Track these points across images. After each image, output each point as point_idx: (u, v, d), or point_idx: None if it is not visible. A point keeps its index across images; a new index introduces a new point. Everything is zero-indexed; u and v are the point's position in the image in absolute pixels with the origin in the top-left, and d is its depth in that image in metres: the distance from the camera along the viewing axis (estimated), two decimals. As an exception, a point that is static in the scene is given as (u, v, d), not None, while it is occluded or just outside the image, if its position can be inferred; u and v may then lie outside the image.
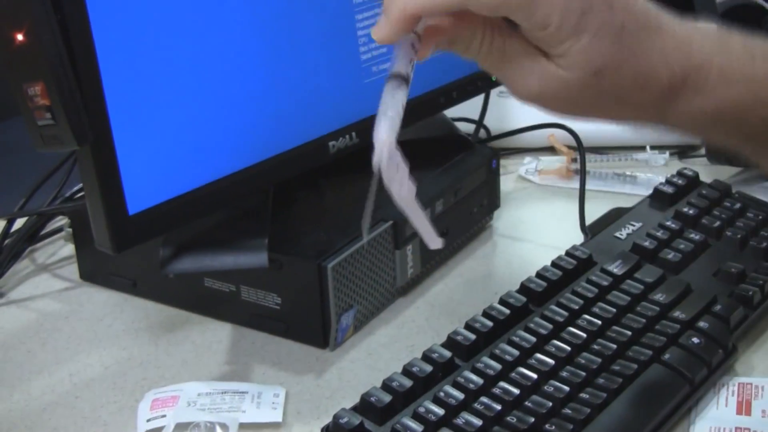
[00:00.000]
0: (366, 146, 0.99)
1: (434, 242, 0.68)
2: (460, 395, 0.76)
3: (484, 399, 0.76)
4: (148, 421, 0.83)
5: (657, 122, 0.68)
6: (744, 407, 0.82)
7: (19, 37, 0.75)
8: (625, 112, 0.68)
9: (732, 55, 0.66)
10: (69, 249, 1.12)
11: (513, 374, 0.79)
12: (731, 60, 0.66)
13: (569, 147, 1.25)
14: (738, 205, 1.06)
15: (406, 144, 1.11)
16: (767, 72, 0.66)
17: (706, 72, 0.66)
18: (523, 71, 0.66)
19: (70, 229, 1.09)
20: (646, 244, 0.98)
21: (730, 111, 0.66)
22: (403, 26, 0.66)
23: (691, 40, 0.66)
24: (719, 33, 0.68)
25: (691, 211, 1.03)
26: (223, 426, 0.81)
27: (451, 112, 1.19)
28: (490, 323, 0.85)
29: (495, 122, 1.29)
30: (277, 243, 0.90)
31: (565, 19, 0.63)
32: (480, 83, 1.14)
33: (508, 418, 0.75)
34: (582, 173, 1.14)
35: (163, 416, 0.82)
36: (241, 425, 0.81)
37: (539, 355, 0.82)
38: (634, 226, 1.02)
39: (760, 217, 1.04)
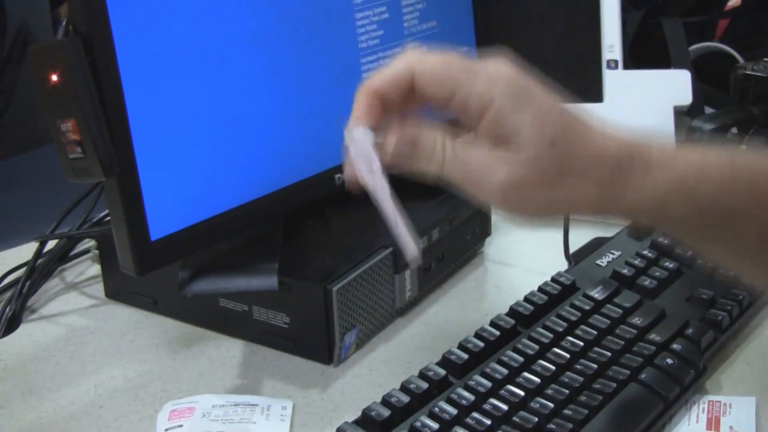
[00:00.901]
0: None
1: (411, 251, 0.68)
2: (454, 411, 0.76)
3: (475, 414, 0.76)
4: (167, 430, 0.82)
5: (618, 203, 0.65)
6: (713, 423, 0.81)
7: (54, 77, 0.75)
8: (587, 188, 0.64)
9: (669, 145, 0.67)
10: (95, 269, 1.11)
11: (502, 391, 0.79)
12: (669, 146, 0.66)
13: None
14: (709, 236, 1.05)
15: (405, 176, 1.12)
16: (711, 158, 0.65)
17: (649, 150, 0.65)
18: (487, 169, 0.63)
19: (96, 251, 1.08)
20: (625, 271, 0.97)
21: (678, 189, 0.64)
22: (366, 102, 0.65)
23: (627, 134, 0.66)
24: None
25: (665, 242, 1.03)
26: (235, 436, 0.80)
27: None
28: (481, 344, 0.84)
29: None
30: (286, 267, 0.90)
31: (508, 94, 0.62)
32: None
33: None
34: (566, 205, 1.13)
35: (180, 426, 0.82)
36: (252, 436, 0.81)
37: (526, 374, 0.81)
38: (613, 254, 1.02)
39: (729, 247, 1.04)
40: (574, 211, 0.68)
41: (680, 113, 1.34)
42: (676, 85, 1.33)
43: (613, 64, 1.35)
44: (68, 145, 0.78)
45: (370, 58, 0.99)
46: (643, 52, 1.47)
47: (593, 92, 1.34)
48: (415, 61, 0.64)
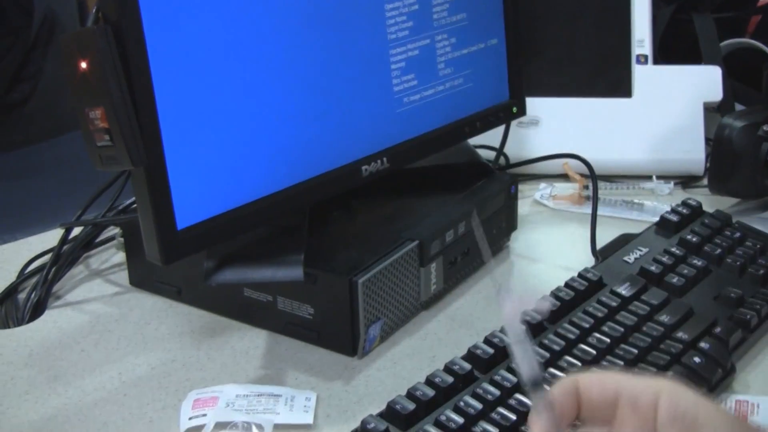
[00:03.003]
0: (395, 170, 1.00)
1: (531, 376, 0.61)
2: (479, 405, 0.76)
3: (501, 409, 0.76)
4: (190, 419, 0.83)
5: None
6: (741, 424, 0.81)
7: (83, 65, 0.76)
8: None
9: None
10: (120, 257, 1.12)
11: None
12: None
13: (582, 175, 1.25)
14: (738, 234, 1.05)
15: (432, 170, 1.12)
16: None
17: None
18: None
19: (121, 239, 1.09)
20: (653, 268, 0.97)
21: None
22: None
23: None
24: None
25: (694, 239, 1.03)
26: (259, 426, 0.81)
27: (474, 141, 1.19)
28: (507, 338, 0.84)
29: (514, 150, 1.29)
30: (312, 259, 0.90)
31: (672, 383, 0.60)
32: (501, 114, 1.14)
33: (523, 428, 0.75)
34: (594, 200, 1.13)
35: (204, 415, 0.82)
36: (275, 426, 0.81)
37: (553, 370, 0.81)
38: (641, 251, 1.02)
39: (758, 246, 1.03)
40: None
41: (710, 110, 1.34)
42: (706, 81, 1.33)
43: (643, 59, 1.35)
44: (96, 133, 0.78)
45: (399, 49, 0.99)
46: (673, 48, 1.46)
47: (623, 87, 1.34)
48: (578, 374, 0.62)
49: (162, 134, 0.79)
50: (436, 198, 1.06)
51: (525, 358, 0.59)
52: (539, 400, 0.59)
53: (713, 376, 0.84)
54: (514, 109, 1.15)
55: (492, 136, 1.23)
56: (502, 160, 1.28)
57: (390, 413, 0.76)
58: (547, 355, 0.82)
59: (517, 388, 0.79)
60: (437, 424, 0.74)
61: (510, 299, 0.60)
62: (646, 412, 0.59)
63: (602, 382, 0.61)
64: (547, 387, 0.59)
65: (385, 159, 0.98)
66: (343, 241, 0.97)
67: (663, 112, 1.32)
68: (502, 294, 0.60)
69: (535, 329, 0.87)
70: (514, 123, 1.25)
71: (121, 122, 0.76)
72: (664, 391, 0.59)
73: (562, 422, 0.60)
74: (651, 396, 0.59)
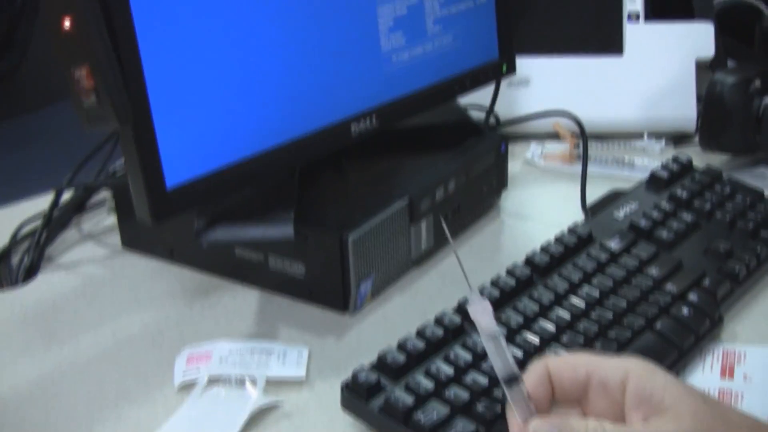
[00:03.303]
0: (384, 129, 1.01)
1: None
2: (469, 356, 0.77)
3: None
4: (184, 374, 0.84)
5: None
6: (727, 371, 0.82)
7: (67, 23, 0.76)
8: None
9: None
10: (112, 219, 1.13)
11: (518, 338, 0.80)
12: None
13: (572, 134, 1.26)
14: (728, 189, 1.06)
15: (422, 129, 1.13)
16: None
17: None
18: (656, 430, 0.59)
19: (113, 201, 1.10)
20: (642, 223, 0.98)
21: None
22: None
23: None
24: None
25: (684, 194, 1.04)
26: (252, 380, 0.82)
27: (464, 101, 1.20)
28: (497, 292, 0.86)
29: (504, 111, 1.30)
30: (303, 217, 0.91)
31: (640, 364, 0.62)
32: (491, 73, 1.14)
33: (512, 378, 0.76)
34: (584, 158, 1.14)
35: (198, 370, 0.84)
36: (268, 380, 0.82)
37: (542, 322, 0.83)
38: (631, 206, 1.03)
39: (748, 201, 1.04)
40: None
41: (702, 66, 1.35)
42: (698, 38, 1.34)
43: (634, 17, 1.35)
44: (82, 93, 0.79)
45: (387, 7, 0.99)
46: (665, 4, 1.46)
47: (614, 45, 1.35)
48: (549, 358, 0.64)
49: (148, 91, 0.79)
50: (426, 157, 1.07)
51: (498, 354, 0.60)
52: (515, 394, 0.60)
53: (701, 327, 0.85)
54: (504, 68, 1.16)
55: (482, 97, 1.23)
56: (492, 119, 1.29)
57: (381, 364, 0.77)
58: (537, 308, 0.84)
59: (507, 339, 0.80)
60: (428, 374, 0.76)
61: (479, 300, 0.63)
62: (615, 393, 0.61)
63: (573, 366, 0.63)
64: (522, 382, 0.61)
65: (374, 117, 0.99)
66: (334, 200, 0.98)
67: (654, 70, 1.33)
68: (472, 296, 0.63)
69: (524, 283, 0.88)
70: (504, 83, 1.25)
71: (106, 79, 0.76)
72: (632, 374, 0.61)
73: (537, 409, 0.63)
74: (619, 378, 0.61)
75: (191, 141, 0.84)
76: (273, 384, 0.83)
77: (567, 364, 0.63)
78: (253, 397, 0.80)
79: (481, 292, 0.85)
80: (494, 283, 0.87)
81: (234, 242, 0.96)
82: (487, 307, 0.63)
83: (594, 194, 1.10)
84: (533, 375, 0.63)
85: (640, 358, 0.63)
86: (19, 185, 1.61)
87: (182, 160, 0.84)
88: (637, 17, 1.35)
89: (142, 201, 0.83)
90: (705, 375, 0.83)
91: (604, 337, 0.82)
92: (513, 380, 0.61)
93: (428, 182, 1.00)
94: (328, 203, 0.97)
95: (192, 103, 0.83)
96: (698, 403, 0.60)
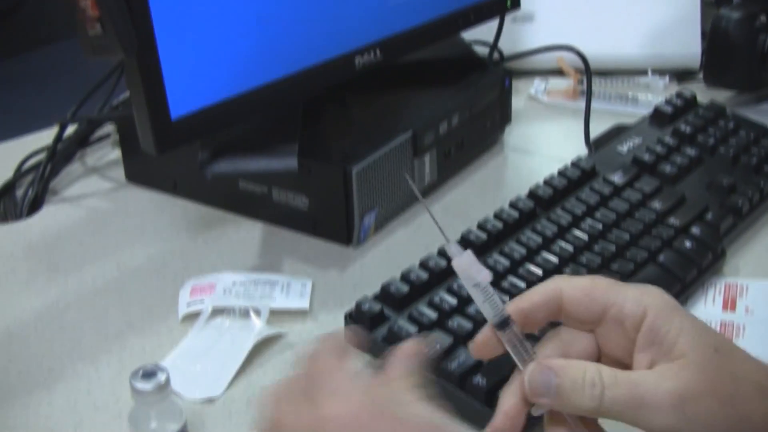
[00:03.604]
0: (388, 63, 1.00)
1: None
2: (472, 287, 0.77)
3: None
4: (188, 305, 0.84)
5: None
6: (729, 304, 0.82)
7: (72, -51, 0.75)
8: (764, 399, 0.57)
9: None
10: (116, 153, 1.12)
11: (521, 270, 0.80)
12: None
13: (576, 70, 1.25)
14: (731, 125, 1.06)
15: (426, 64, 1.12)
16: None
17: None
18: (655, 385, 0.56)
19: (116, 135, 1.09)
20: (646, 157, 0.98)
21: None
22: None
23: None
24: None
25: (687, 129, 1.03)
26: (256, 311, 0.82)
27: (468, 36, 1.18)
28: (500, 224, 0.85)
29: (508, 45, 1.28)
30: (306, 149, 0.91)
31: (660, 303, 0.58)
32: (495, 7, 1.13)
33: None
34: (588, 93, 1.13)
35: (202, 301, 0.84)
36: (272, 311, 0.82)
37: (545, 254, 0.82)
38: (634, 141, 1.02)
39: (752, 136, 1.04)
40: (755, 426, 0.57)
41: (707, 2, 1.33)
42: (703, -27, 1.32)
43: (639, -48, 1.33)
44: (88, 22, 0.78)
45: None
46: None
47: (618, -20, 1.33)
48: (563, 284, 0.60)
49: (153, 21, 0.78)
50: (430, 91, 1.06)
51: (486, 301, 0.58)
52: (508, 338, 0.58)
53: (703, 260, 0.85)
54: (509, 3, 1.14)
55: (486, 32, 1.22)
56: (496, 54, 1.28)
57: (384, 295, 0.77)
58: (540, 240, 0.83)
59: (509, 270, 0.80)
60: (431, 305, 0.76)
61: (459, 252, 0.60)
62: (630, 330, 0.58)
63: (590, 297, 0.59)
64: (514, 326, 0.58)
65: (378, 51, 0.98)
66: (338, 133, 0.97)
67: (659, 5, 1.31)
68: (452, 248, 0.60)
69: (527, 216, 0.87)
70: (508, 19, 1.23)
71: (111, 8, 0.75)
72: (650, 312, 0.58)
73: (535, 326, 0.61)
74: (638, 316, 0.58)
75: (196, 72, 0.83)
76: (277, 315, 0.83)
77: (584, 294, 0.59)
78: (257, 327, 0.80)
79: (485, 225, 0.85)
80: (497, 215, 0.87)
81: (237, 174, 0.95)
82: (469, 256, 0.59)
83: (597, 130, 1.10)
84: (538, 296, 0.60)
85: (661, 291, 0.59)
86: (23, 121, 1.60)
87: (187, 91, 0.83)
88: (643, -48, 1.33)
89: (147, 131, 0.82)
90: (707, 308, 0.83)
91: (607, 270, 0.82)
92: (504, 325, 0.59)
93: (432, 116, 1.00)
94: (332, 136, 0.96)
95: (197, 34, 0.82)
96: (708, 353, 0.56)
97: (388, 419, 0.54)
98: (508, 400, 0.58)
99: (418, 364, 0.58)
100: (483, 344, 0.60)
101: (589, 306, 0.59)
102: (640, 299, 0.58)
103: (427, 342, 0.67)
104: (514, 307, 0.60)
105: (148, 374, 0.66)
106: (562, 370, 0.57)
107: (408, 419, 0.54)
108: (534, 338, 0.60)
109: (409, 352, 0.59)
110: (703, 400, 0.55)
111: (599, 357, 0.60)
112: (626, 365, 0.59)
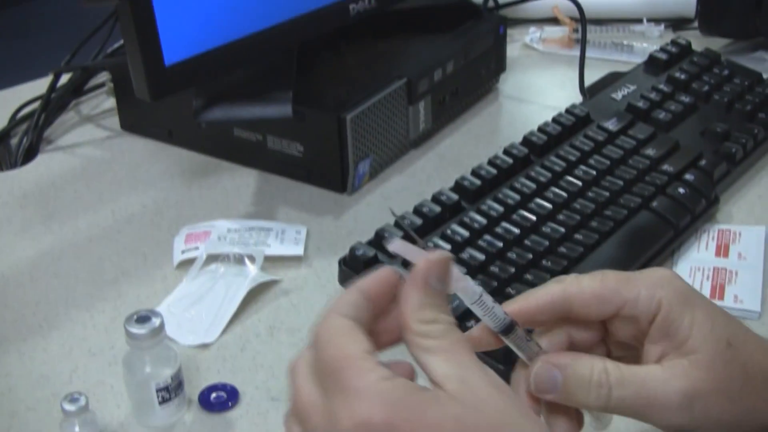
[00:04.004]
0: (383, 10, 0.98)
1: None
2: (466, 233, 0.77)
3: (487, 237, 0.77)
4: (183, 252, 0.83)
5: None
6: (722, 250, 0.82)
7: None
8: None
9: None
10: (111, 102, 1.11)
11: (514, 216, 0.79)
12: None
13: (571, 18, 1.23)
14: (726, 72, 1.04)
15: (421, 11, 1.10)
16: None
17: None
18: (664, 382, 0.54)
19: (111, 84, 1.08)
20: (640, 104, 0.97)
21: None
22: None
23: None
24: None
25: (682, 76, 1.02)
26: (250, 257, 0.81)
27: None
28: (494, 170, 0.84)
29: (504, -6, 1.27)
30: (301, 97, 0.89)
31: (675, 294, 0.55)
32: (491, -46, 1.11)
33: (509, 254, 0.75)
34: (582, 42, 1.12)
35: (197, 248, 0.83)
36: (266, 257, 0.82)
37: (539, 200, 0.81)
38: (629, 88, 1.01)
39: (746, 83, 1.03)
40: (763, 427, 0.56)
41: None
42: None
43: None
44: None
45: None
46: None
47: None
48: (571, 288, 0.57)
49: (146, -34, 0.77)
50: (425, 38, 1.04)
51: (486, 313, 0.55)
52: (514, 342, 0.55)
53: (697, 207, 0.84)
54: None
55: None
56: (491, 2, 1.26)
57: (378, 241, 0.76)
58: (534, 186, 0.83)
59: (503, 217, 0.79)
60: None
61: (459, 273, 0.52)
62: (644, 325, 0.56)
63: (601, 300, 0.56)
64: (518, 329, 0.55)
65: (372, -3, 0.97)
66: (332, 81, 0.96)
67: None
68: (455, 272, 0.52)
69: (521, 162, 0.87)
70: (504, -34, 1.22)
71: (103, -47, 0.74)
72: (664, 304, 0.55)
73: (539, 325, 0.57)
74: (652, 313, 0.55)
75: (190, 18, 0.82)
76: (271, 261, 0.82)
77: (594, 296, 0.56)
78: (252, 273, 0.80)
79: (479, 172, 0.84)
80: (492, 162, 0.86)
81: (232, 121, 0.94)
82: (461, 276, 0.52)
83: (592, 78, 1.09)
84: (543, 298, 0.57)
85: (674, 277, 0.57)
86: (18, 70, 1.58)
87: (181, 38, 0.82)
88: None
89: (141, 78, 0.81)
90: (700, 253, 0.82)
91: (600, 216, 0.81)
92: (509, 330, 0.56)
93: (426, 63, 0.98)
94: (327, 84, 0.95)
95: (188, -21, 0.81)
96: (720, 349, 0.54)
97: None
98: (517, 387, 0.56)
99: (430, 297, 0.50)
100: (478, 340, 0.56)
101: (601, 308, 0.56)
102: (653, 294, 0.56)
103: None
104: (518, 307, 0.56)
105: (143, 319, 0.65)
106: (569, 368, 0.55)
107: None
108: None
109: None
110: (711, 398, 0.54)
111: (607, 342, 0.58)
112: (635, 350, 0.57)
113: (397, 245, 0.50)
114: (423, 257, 0.49)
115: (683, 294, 0.56)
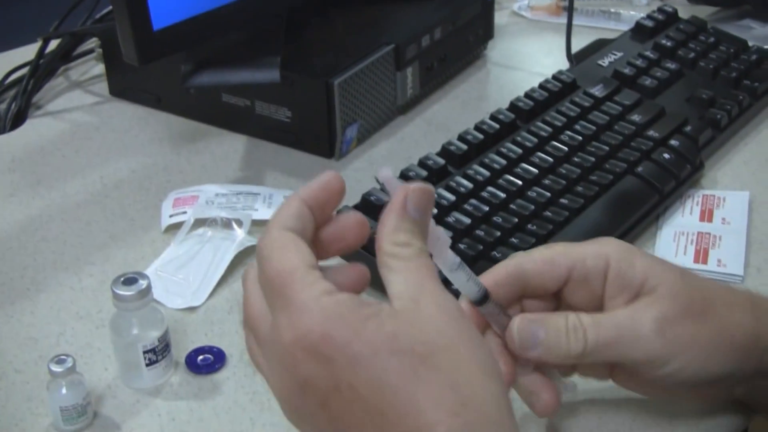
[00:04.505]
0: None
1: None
2: (452, 197, 0.76)
3: (473, 201, 0.76)
4: (171, 216, 0.83)
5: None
6: (706, 215, 0.82)
7: None
8: (738, 313, 0.58)
9: None
10: (99, 68, 1.10)
11: (500, 180, 0.79)
12: None
13: (560, -15, 1.22)
14: (712, 39, 1.04)
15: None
16: None
17: None
18: (635, 320, 0.56)
19: (100, 50, 1.07)
20: (626, 70, 0.96)
21: None
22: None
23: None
24: None
25: (668, 43, 1.01)
26: (238, 222, 0.81)
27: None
28: (481, 135, 0.84)
29: (492, -39, 1.26)
30: (289, 63, 0.89)
31: (619, 249, 0.58)
32: None
33: (495, 218, 0.75)
34: (570, 9, 1.10)
35: (184, 212, 0.82)
36: (254, 221, 0.81)
37: (525, 165, 0.81)
38: (615, 55, 1.00)
39: (732, 50, 1.02)
40: (733, 342, 0.58)
41: None
42: None
43: None
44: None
45: None
46: None
47: None
48: (522, 259, 0.59)
49: (132, -71, 0.76)
50: (413, 4, 1.03)
51: (464, 282, 0.55)
52: (488, 311, 0.56)
53: (682, 172, 0.84)
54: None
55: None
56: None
57: (365, 204, 0.76)
58: (520, 151, 0.82)
59: (489, 181, 0.79)
60: (411, 214, 0.74)
61: (443, 233, 0.53)
62: (595, 285, 0.58)
63: (551, 263, 0.58)
64: (494, 302, 0.56)
65: (361, -37, 0.96)
66: (320, 46, 0.95)
67: None
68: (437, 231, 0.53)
69: (508, 128, 0.86)
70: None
71: None
72: (612, 260, 0.57)
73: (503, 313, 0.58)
74: (601, 269, 0.58)
75: (175, -18, 0.81)
76: (259, 226, 0.81)
77: (545, 263, 0.58)
78: (239, 237, 0.79)
79: (466, 137, 0.83)
80: (478, 127, 0.85)
81: (220, 85, 0.93)
82: (446, 239, 0.52)
83: (579, 45, 1.08)
84: (500, 273, 0.58)
85: (617, 240, 0.60)
86: (6, 37, 1.56)
87: (169, 3, 0.82)
88: None
89: (129, 42, 0.81)
90: (685, 218, 0.82)
91: (586, 181, 0.80)
92: (484, 300, 0.56)
93: (414, 30, 0.98)
94: (315, 50, 0.94)
95: (175, -57, 0.80)
96: (677, 281, 0.58)
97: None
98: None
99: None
100: None
101: (553, 273, 0.58)
102: (599, 251, 0.58)
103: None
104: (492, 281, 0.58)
105: (130, 280, 0.65)
106: (545, 319, 0.57)
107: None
108: None
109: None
110: (679, 323, 0.56)
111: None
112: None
113: (386, 173, 0.50)
114: (405, 186, 0.49)
115: (628, 248, 0.59)
